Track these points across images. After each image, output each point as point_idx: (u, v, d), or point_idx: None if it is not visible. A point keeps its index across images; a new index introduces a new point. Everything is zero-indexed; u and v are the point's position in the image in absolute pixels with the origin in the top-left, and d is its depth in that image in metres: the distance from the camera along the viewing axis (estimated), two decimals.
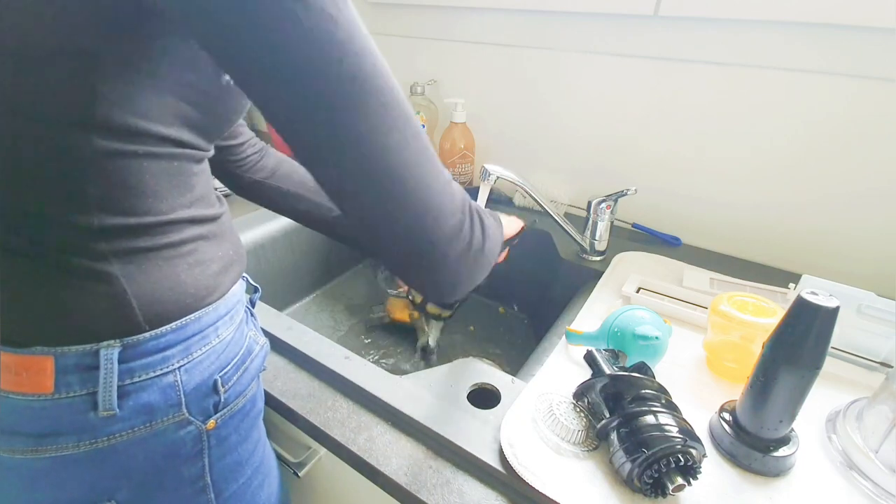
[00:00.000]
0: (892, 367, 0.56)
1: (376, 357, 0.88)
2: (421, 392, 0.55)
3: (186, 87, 0.36)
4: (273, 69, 0.28)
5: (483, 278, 0.41)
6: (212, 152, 0.44)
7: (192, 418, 0.42)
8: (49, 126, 0.33)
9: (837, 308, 0.39)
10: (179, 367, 0.41)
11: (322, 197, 0.66)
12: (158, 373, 0.40)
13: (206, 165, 0.44)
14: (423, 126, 1.04)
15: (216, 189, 0.47)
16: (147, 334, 0.39)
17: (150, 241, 0.39)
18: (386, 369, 0.58)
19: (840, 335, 0.58)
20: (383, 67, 0.31)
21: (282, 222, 0.93)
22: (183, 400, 0.42)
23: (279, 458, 0.59)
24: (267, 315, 0.67)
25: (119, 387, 0.38)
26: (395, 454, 0.50)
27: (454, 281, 0.38)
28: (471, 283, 0.40)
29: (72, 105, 0.32)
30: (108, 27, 0.31)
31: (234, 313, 0.47)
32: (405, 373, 0.59)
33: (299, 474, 0.59)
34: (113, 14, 0.31)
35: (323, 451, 0.60)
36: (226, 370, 0.45)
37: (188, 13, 0.28)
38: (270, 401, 0.57)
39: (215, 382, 0.44)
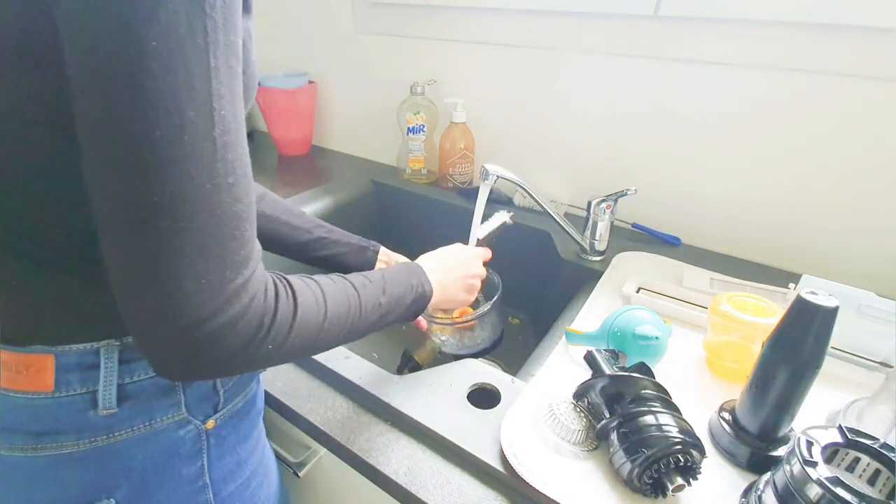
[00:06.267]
0: (892, 367, 0.56)
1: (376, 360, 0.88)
2: (421, 392, 0.55)
3: None
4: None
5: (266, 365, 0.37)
6: None
7: (192, 418, 0.42)
8: (50, 131, 0.32)
9: (837, 308, 0.39)
10: None
11: (300, 221, 0.67)
12: None
13: None
14: (424, 126, 1.05)
15: None
16: None
17: None
18: (386, 370, 0.58)
19: (840, 335, 0.57)
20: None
21: None
22: (182, 399, 0.42)
23: (279, 458, 0.59)
24: None
25: (119, 386, 0.38)
26: (395, 454, 0.50)
27: (177, 365, 0.33)
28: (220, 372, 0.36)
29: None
30: None
31: None
32: (405, 373, 0.59)
33: (299, 474, 0.59)
34: None
35: (323, 451, 0.60)
36: None
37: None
38: (270, 401, 0.57)
39: (214, 383, 0.44)
